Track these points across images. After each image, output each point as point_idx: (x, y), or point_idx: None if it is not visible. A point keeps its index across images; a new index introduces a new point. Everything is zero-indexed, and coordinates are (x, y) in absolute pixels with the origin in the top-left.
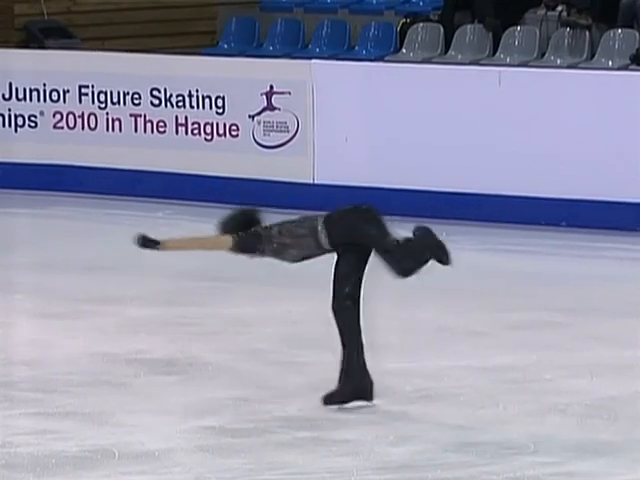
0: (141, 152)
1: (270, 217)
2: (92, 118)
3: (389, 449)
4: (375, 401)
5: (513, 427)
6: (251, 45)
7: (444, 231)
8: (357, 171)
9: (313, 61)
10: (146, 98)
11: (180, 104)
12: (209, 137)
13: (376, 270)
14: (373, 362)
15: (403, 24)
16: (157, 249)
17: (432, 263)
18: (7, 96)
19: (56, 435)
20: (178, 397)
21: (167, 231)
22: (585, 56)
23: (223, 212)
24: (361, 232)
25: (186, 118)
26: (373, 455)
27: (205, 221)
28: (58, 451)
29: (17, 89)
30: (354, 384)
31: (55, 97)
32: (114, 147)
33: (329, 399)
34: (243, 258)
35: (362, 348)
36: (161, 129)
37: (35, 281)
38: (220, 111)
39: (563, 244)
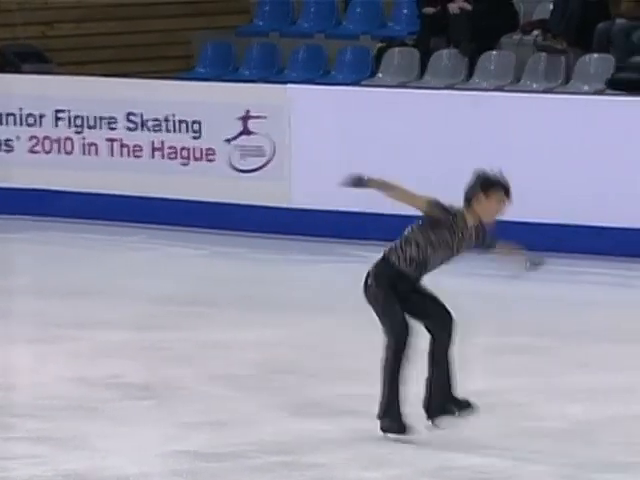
0: (117, 176)
1: (249, 241)
2: (68, 142)
3: (363, 473)
4: (349, 425)
5: (490, 451)
6: (227, 70)
7: None
8: (333, 195)
9: (289, 85)
10: (122, 122)
11: (156, 128)
12: (185, 161)
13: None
14: (347, 387)
15: (379, 49)
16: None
17: None
18: None
19: (31, 460)
20: (153, 422)
21: (142, 255)
22: (561, 81)
23: (199, 236)
24: None
25: (162, 143)
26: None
27: (182, 245)
28: (33, 476)
29: None
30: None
31: (31, 121)
32: (90, 171)
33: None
34: (218, 283)
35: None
36: (137, 153)
37: (6, 306)
38: (196, 135)
39: (542, 268)
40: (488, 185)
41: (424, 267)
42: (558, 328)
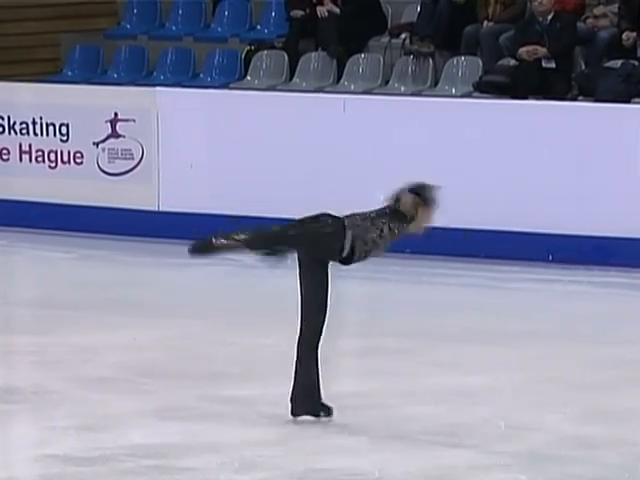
0: None
1: (117, 244)
2: None
3: (235, 476)
4: (219, 428)
5: (359, 453)
6: (95, 72)
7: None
8: (202, 198)
9: (158, 88)
10: None
11: (24, 131)
12: (53, 164)
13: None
14: (217, 390)
15: (248, 51)
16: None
17: None
18: None
19: None
20: (21, 426)
21: (9, 259)
22: (429, 83)
23: (68, 240)
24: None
25: (30, 145)
26: None
27: (48, 249)
28: None
29: None
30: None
31: None
32: None
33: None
34: (87, 287)
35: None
36: (5, 156)
37: None
38: (64, 138)
39: (406, 270)
40: None
41: None
42: (424, 330)
